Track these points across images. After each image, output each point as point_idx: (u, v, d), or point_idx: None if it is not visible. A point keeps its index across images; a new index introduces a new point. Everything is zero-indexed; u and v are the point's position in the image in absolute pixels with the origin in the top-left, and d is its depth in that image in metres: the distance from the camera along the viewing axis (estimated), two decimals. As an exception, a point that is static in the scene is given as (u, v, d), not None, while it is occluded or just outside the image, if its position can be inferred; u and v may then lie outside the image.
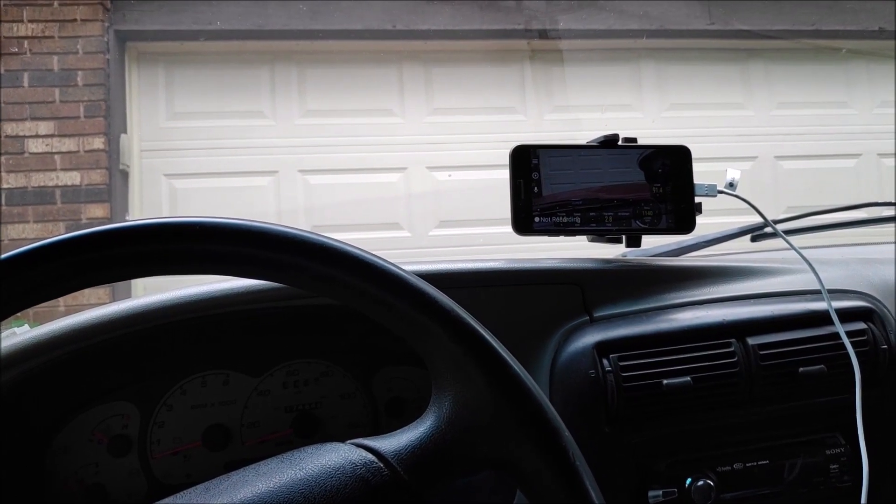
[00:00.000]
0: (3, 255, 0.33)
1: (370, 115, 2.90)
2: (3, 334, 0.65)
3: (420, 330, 0.37)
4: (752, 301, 0.70)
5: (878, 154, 3.17)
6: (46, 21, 2.63)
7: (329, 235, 0.38)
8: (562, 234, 0.67)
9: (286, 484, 0.34)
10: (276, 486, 0.34)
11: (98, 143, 2.61)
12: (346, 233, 2.68)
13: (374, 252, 0.39)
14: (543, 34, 2.97)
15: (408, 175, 2.89)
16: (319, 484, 0.34)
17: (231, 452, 0.68)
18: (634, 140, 0.69)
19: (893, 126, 3.08)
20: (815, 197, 2.98)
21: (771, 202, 3.03)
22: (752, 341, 0.64)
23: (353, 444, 0.37)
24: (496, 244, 2.53)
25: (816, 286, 0.67)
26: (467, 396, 0.37)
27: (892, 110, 3.14)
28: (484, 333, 0.37)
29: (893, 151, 3.06)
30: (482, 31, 2.93)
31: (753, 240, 0.98)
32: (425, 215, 2.88)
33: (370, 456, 0.36)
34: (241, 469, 0.37)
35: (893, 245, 0.86)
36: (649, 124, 3.04)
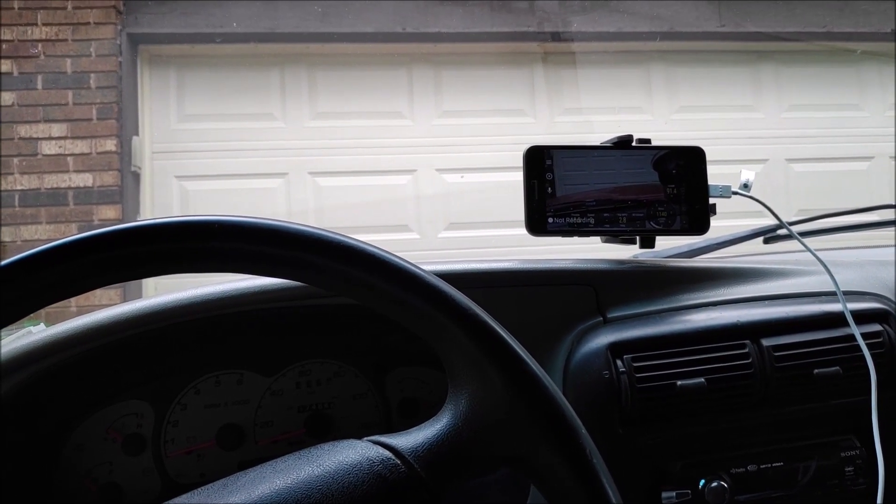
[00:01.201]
0: (28, 252, 0.34)
1: (380, 117, 2.91)
2: (20, 333, 0.65)
3: (437, 328, 0.37)
4: (766, 302, 0.69)
5: (891, 157, 3.15)
6: (60, 24, 2.65)
7: (347, 234, 0.38)
8: (575, 235, 0.67)
9: (304, 480, 0.35)
10: (294, 482, 0.35)
11: (110, 144, 2.63)
12: (356, 235, 2.66)
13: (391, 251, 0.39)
14: (556, 36, 2.97)
15: (417, 177, 2.90)
16: (337, 480, 0.34)
17: (244, 452, 0.68)
18: (648, 141, 0.69)
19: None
20: (826, 200, 2.96)
21: (782, 205, 3.01)
22: (766, 342, 0.64)
23: (370, 441, 0.37)
24: (505, 246, 2.54)
25: (830, 288, 0.67)
26: (484, 394, 0.37)
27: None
28: (501, 331, 0.37)
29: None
30: (493, 34, 2.94)
31: (766, 242, 0.97)
32: (434, 217, 2.88)
33: (387, 453, 0.36)
34: (258, 466, 0.37)
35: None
36: (659, 127, 3.03)
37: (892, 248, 0.85)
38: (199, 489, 0.36)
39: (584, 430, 0.36)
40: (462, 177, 2.86)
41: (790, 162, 3.11)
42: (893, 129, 3.13)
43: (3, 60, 2.60)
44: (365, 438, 0.37)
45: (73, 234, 0.35)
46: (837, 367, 0.64)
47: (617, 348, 0.62)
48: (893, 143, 3.11)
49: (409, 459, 0.35)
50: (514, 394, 0.36)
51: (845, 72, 3.20)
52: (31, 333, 0.62)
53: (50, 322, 0.67)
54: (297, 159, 2.83)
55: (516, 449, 0.36)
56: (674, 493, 0.61)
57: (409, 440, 0.36)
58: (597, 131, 2.88)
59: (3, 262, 0.34)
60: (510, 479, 0.66)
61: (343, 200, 2.83)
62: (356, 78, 2.92)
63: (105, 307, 0.63)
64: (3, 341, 0.61)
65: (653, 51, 3.07)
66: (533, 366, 0.37)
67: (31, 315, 0.37)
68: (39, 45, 2.63)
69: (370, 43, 2.91)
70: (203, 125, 2.82)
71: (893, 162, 3.15)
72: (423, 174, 2.90)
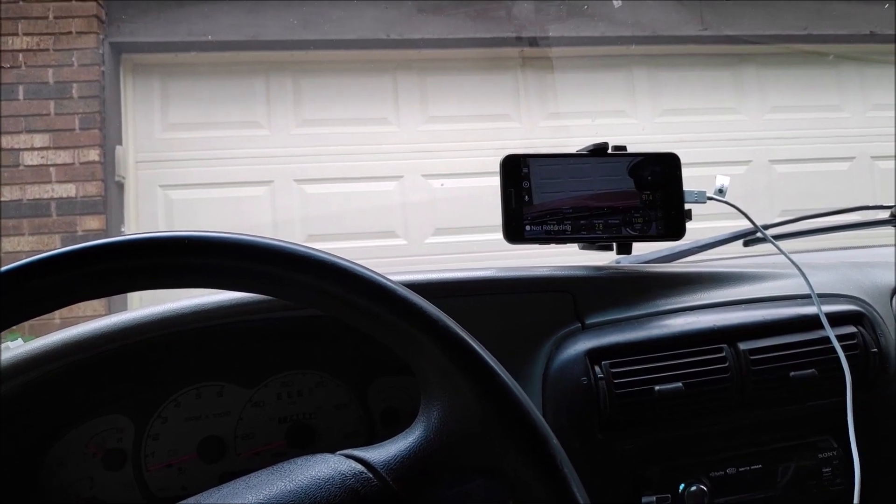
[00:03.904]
0: (15, 264, 0.34)
1: (365, 123, 2.91)
2: (-2, 349, 0.65)
3: (407, 340, 0.37)
4: (743, 306, 0.70)
5: (872, 157, 3.19)
6: (42, 34, 2.64)
7: (316, 247, 0.38)
8: (553, 242, 0.68)
9: (276, 495, 0.35)
10: (267, 497, 0.35)
11: (93, 154, 2.61)
12: (342, 242, 2.69)
13: (363, 262, 0.39)
14: (533, 42, 2.99)
15: (403, 183, 2.90)
16: (309, 495, 0.34)
17: (226, 464, 0.68)
18: (624, 148, 0.70)
19: (888, 129, 3.10)
20: (809, 200, 2.99)
21: (766, 206, 3.04)
22: (743, 346, 0.65)
23: (342, 454, 0.37)
24: (492, 251, 2.54)
25: (807, 290, 0.68)
26: (455, 406, 0.37)
27: (885, 113, 3.16)
28: (471, 342, 0.37)
29: (888, 154, 3.08)
30: (474, 40, 2.95)
31: (746, 244, 0.98)
32: (421, 223, 2.88)
33: (359, 466, 0.36)
34: (232, 481, 0.37)
35: (890, 248, 0.86)
36: (642, 130, 3.05)
37: (867, 250, 0.86)
38: None
39: (554, 440, 0.37)
40: (442, 184, 2.87)
41: (773, 163, 3.14)
42: (874, 130, 3.17)
43: (-17, 71, 2.58)
44: (338, 452, 0.37)
45: (60, 248, 0.35)
46: (813, 370, 0.64)
47: (595, 354, 0.63)
48: (874, 144, 3.15)
49: (381, 473, 0.36)
50: (485, 404, 0.36)
51: (825, 73, 3.24)
52: (9, 349, 0.62)
53: (32, 335, 0.67)
54: (283, 167, 2.83)
55: (488, 459, 0.37)
56: (654, 498, 0.62)
57: (381, 453, 0.37)
58: (581, 135, 2.90)
59: None
60: (490, 487, 0.66)
61: (329, 208, 2.83)
62: (341, 85, 2.92)
63: (88, 319, 0.63)
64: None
65: (635, 55, 3.10)
66: (503, 376, 0.37)
67: (11, 329, 0.37)
68: (21, 55, 2.62)
69: (354, 50, 2.91)
70: (187, 134, 2.81)
71: (874, 161, 3.19)
72: (410, 180, 2.90)
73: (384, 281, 0.38)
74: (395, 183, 2.89)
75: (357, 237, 2.76)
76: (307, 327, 0.68)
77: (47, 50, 2.64)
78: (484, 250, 2.69)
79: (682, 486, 0.62)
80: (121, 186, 2.73)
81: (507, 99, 3.02)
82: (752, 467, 0.65)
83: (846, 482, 0.65)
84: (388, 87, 2.96)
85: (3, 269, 0.34)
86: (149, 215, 2.75)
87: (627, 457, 0.63)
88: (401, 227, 2.88)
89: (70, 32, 2.66)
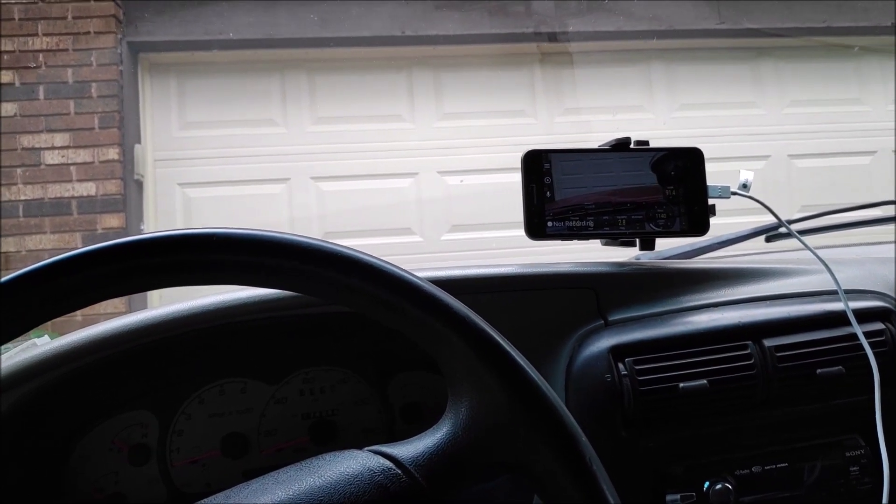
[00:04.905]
0: (47, 261, 0.34)
1: (381, 120, 2.91)
2: (25, 345, 0.66)
3: (435, 336, 0.37)
4: (767, 302, 0.69)
5: (894, 151, 3.14)
6: (61, 34, 2.67)
7: (341, 243, 0.38)
8: (575, 238, 0.67)
9: (305, 491, 0.35)
10: (296, 493, 0.35)
11: (112, 153, 2.64)
12: (359, 239, 2.69)
13: (386, 259, 0.39)
14: (553, 37, 2.97)
15: (419, 180, 2.90)
16: (338, 491, 0.35)
17: (249, 460, 0.69)
18: (646, 143, 0.69)
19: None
20: (829, 195, 2.95)
21: (785, 201, 3.01)
22: (768, 343, 0.64)
23: (370, 450, 0.37)
24: (509, 248, 2.54)
25: (832, 287, 0.67)
26: (483, 402, 0.37)
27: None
28: (499, 338, 0.37)
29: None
30: (491, 35, 2.94)
31: (768, 240, 0.97)
32: (437, 220, 2.88)
33: (388, 463, 0.36)
34: (260, 477, 0.37)
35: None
36: (660, 125, 3.03)
37: (893, 245, 0.85)
38: (199, 502, 0.36)
39: (583, 437, 0.36)
40: (462, 181, 2.86)
41: (792, 158, 3.10)
42: (895, 124, 3.12)
43: (4, 71, 2.61)
44: (366, 448, 0.37)
45: (93, 244, 0.35)
46: (840, 367, 0.63)
47: (618, 351, 0.62)
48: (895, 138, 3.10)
49: (409, 469, 0.35)
50: (513, 401, 0.36)
51: (845, 66, 3.20)
52: (36, 346, 0.63)
53: (56, 333, 0.67)
54: (299, 164, 2.84)
55: (516, 456, 0.37)
56: (678, 496, 0.61)
57: (409, 449, 0.37)
58: (599, 130, 2.88)
59: (3, 280, 0.34)
60: (516, 483, 0.66)
61: (345, 205, 2.83)
62: (356, 82, 2.92)
63: (110, 317, 0.63)
64: (8, 354, 0.62)
65: (653, 49, 3.07)
66: (531, 373, 0.37)
67: (38, 327, 0.37)
68: (41, 55, 2.65)
69: (369, 47, 2.91)
70: (204, 132, 2.82)
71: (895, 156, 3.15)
72: (425, 177, 2.90)
73: (411, 277, 0.37)
74: (410, 180, 2.90)
75: (373, 234, 2.76)
76: (329, 323, 0.68)
77: (66, 50, 2.67)
78: (500, 247, 2.69)
79: (706, 485, 0.61)
80: (140, 185, 2.75)
81: (522, 95, 3.01)
82: (778, 466, 0.64)
83: (874, 481, 0.64)
84: (404, 84, 2.96)
85: (35, 266, 0.35)
86: (167, 213, 2.78)
87: (651, 454, 0.62)
88: (416, 224, 2.88)
89: (88, 32, 2.69)
